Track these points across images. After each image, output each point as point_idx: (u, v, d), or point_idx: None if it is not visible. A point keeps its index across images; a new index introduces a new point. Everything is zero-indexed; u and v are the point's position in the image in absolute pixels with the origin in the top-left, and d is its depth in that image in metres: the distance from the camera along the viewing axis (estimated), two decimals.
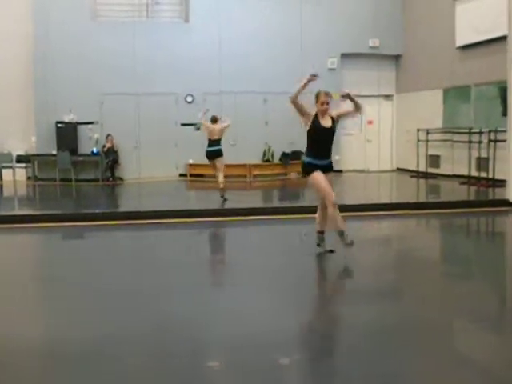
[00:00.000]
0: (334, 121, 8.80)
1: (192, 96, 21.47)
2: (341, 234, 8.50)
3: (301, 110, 8.75)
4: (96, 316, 6.29)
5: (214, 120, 15.86)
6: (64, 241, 11.76)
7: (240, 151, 21.15)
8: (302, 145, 22.67)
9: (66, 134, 20.50)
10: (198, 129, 20.19)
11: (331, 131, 8.73)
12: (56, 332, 5.87)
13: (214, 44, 21.27)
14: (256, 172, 21.56)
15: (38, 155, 20.37)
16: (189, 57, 21.03)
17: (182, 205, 14.99)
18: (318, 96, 8.77)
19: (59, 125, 20.53)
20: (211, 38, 21.24)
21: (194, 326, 5.93)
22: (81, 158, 20.38)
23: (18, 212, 14.66)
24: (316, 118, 8.69)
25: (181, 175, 21.51)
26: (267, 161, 22.13)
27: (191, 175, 21.29)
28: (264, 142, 21.96)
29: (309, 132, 8.77)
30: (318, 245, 8.97)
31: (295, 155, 22.05)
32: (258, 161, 22.02)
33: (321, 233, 9.02)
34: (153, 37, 21.00)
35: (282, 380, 4.70)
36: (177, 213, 13.02)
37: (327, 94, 8.77)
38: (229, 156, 20.29)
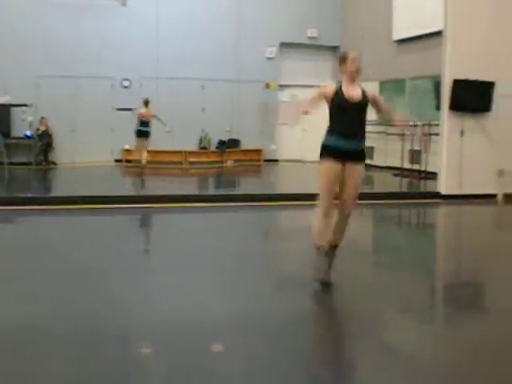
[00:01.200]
0: (366, 97, 6.58)
1: (129, 80, 21.27)
2: (317, 248, 6.73)
3: (320, 102, 6.64)
4: (24, 300, 6.19)
5: (147, 102, 16.00)
6: None
7: (176, 138, 21.01)
8: (237, 133, 22.81)
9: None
10: None
11: (362, 106, 6.53)
12: None
13: (151, 28, 21.10)
14: (192, 159, 21.49)
15: None
16: (126, 41, 20.82)
17: (115, 190, 14.84)
18: (344, 56, 6.62)
19: None
20: (149, 23, 21.08)
21: (127, 312, 5.90)
22: (14, 141, 19.98)
23: None
24: (339, 90, 6.52)
25: (116, 161, 21.28)
26: (204, 148, 22.08)
27: (127, 161, 21.08)
28: (201, 129, 21.89)
29: (330, 110, 6.59)
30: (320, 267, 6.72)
31: (232, 143, 22.11)
32: (194, 148, 21.96)
33: (319, 248, 6.71)
34: (90, 19, 20.67)
35: (212, 367, 4.71)
36: (110, 199, 12.88)
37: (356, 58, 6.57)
38: (165, 142, 20.23)
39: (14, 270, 7.55)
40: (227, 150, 21.83)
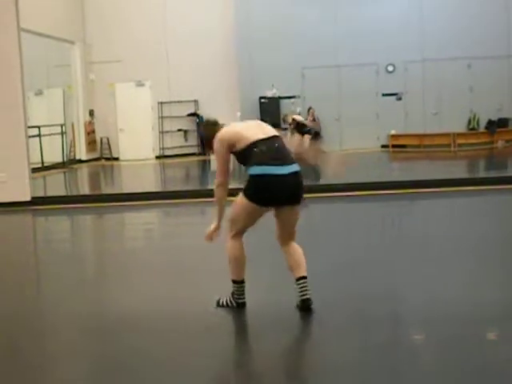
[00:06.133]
0: None
1: (393, 65, 21.15)
2: None
3: None
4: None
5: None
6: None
7: (443, 120, 20.62)
8: (508, 111, 21.48)
9: (269, 109, 20.97)
10: (400, 99, 19.97)
11: None
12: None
13: (414, 11, 20.79)
14: (460, 141, 20.88)
15: None
16: (389, 25, 20.67)
17: (383, 176, 14.85)
18: None
19: (262, 100, 21.07)
20: (411, 5, 20.81)
21: (394, 297, 5.90)
22: (283, 132, 20.74)
23: None
24: None
25: (382, 146, 21.31)
26: (472, 129, 21.37)
27: (393, 146, 21.03)
28: (469, 110, 21.19)
29: None
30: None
31: (502, 122, 21.15)
32: (462, 129, 21.33)
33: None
34: (353, 7, 20.88)
35: (486, 354, 4.55)
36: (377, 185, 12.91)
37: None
38: (431, 125, 19.94)
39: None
40: (497, 129, 20.94)
